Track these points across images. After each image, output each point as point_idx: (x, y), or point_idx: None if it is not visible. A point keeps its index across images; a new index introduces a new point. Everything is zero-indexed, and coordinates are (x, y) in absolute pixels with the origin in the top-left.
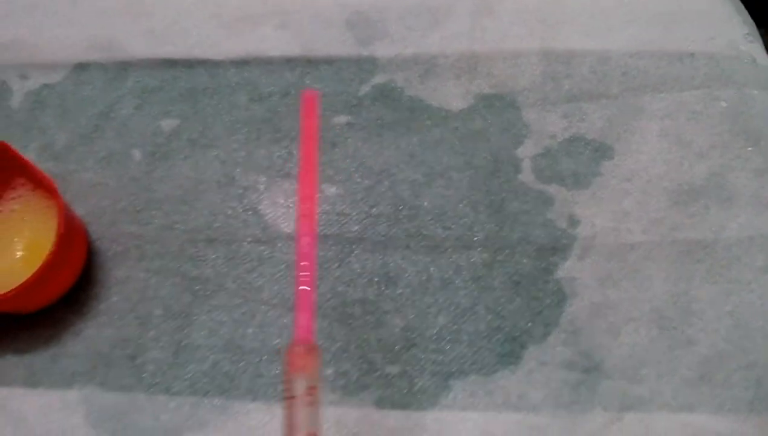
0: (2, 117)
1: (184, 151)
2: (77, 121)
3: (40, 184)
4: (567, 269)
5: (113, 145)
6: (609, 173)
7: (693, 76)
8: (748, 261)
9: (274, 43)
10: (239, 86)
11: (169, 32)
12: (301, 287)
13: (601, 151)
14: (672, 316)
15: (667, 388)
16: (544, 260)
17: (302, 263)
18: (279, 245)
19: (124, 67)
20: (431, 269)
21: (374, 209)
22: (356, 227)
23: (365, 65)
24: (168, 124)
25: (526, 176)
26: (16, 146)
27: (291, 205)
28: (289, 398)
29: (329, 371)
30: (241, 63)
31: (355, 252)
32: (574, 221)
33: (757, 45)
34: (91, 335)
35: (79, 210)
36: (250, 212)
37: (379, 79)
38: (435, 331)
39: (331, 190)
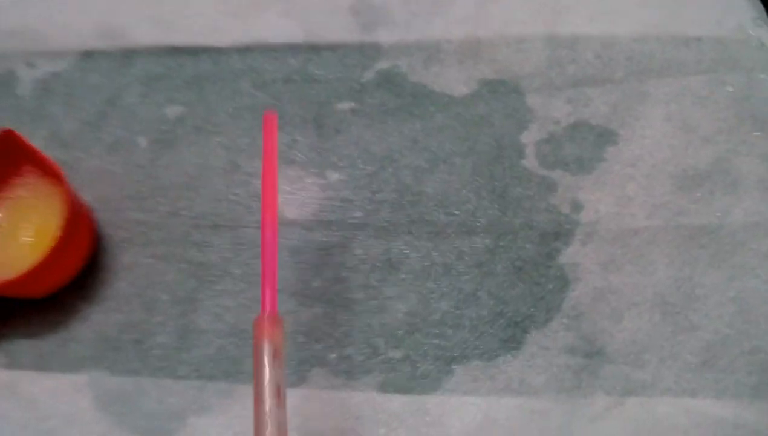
0: (10, 105)
1: (189, 138)
2: (84, 109)
3: (47, 171)
4: (570, 254)
5: (119, 132)
6: (613, 159)
7: (699, 60)
8: (753, 246)
9: (278, 30)
10: (243, 73)
11: (174, 20)
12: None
13: (606, 136)
14: (675, 301)
15: (669, 373)
16: (546, 245)
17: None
18: (283, 231)
19: (130, 54)
20: (434, 254)
21: (377, 195)
22: (359, 213)
23: (368, 51)
24: (173, 111)
25: (530, 162)
26: (23, 134)
27: (295, 191)
28: (256, 363)
29: (333, 356)
30: (245, 50)
31: (359, 238)
32: (577, 207)
33: (766, 29)
34: (99, 320)
35: (86, 197)
36: (254, 198)
37: (382, 65)
38: (437, 316)
39: (335, 176)
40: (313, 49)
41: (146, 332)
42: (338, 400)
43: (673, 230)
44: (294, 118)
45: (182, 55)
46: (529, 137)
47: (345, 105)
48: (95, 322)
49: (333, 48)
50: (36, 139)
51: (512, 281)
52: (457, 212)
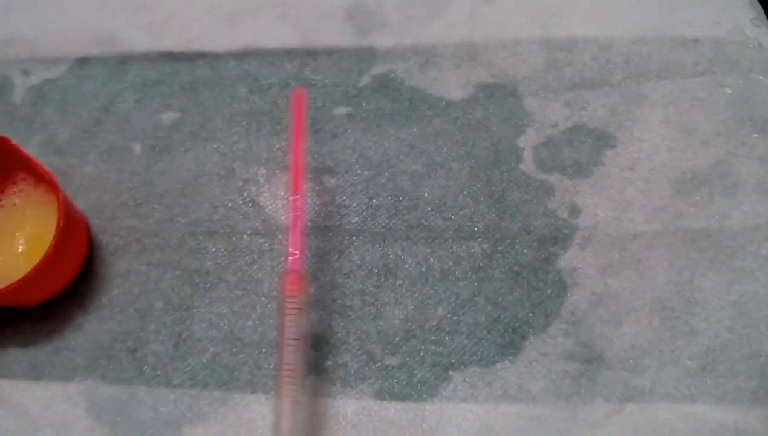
0: (5, 112)
1: (184, 144)
2: (79, 115)
3: (41, 178)
4: (568, 259)
5: (114, 138)
6: (611, 162)
7: (697, 62)
8: (753, 250)
9: (274, 35)
10: (239, 78)
11: (169, 25)
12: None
13: (603, 139)
14: (674, 306)
15: (668, 378)
16: (544, 250)
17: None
18: (279, 237)
19: (125, 60)
20: (431, 260)
21: (374, 201)
22: (356, 219)
23: (365, 56)
24: (169, 117)
25: (527, 166)
26: (18, 141)
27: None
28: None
29: (329, 363)
30: (241, 55)
31: (355, 244)
32: (575, 211)
33: (764, 29)
34: (93, 328)
35: (81, 204)
36: (250, 205)
37: (378, 69)
38: (435, 322)
39: (331, 181)
40: (309, 54)
41: (140, 340)
42: (334, 408)
43: (672, 234)
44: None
45: (177, 61)
46: (527, 141)
47: (341, 110)
48: (89, 330)
49: (329, 53)
50: (30, 146)
51: (510, 287)
52: (454, 217)
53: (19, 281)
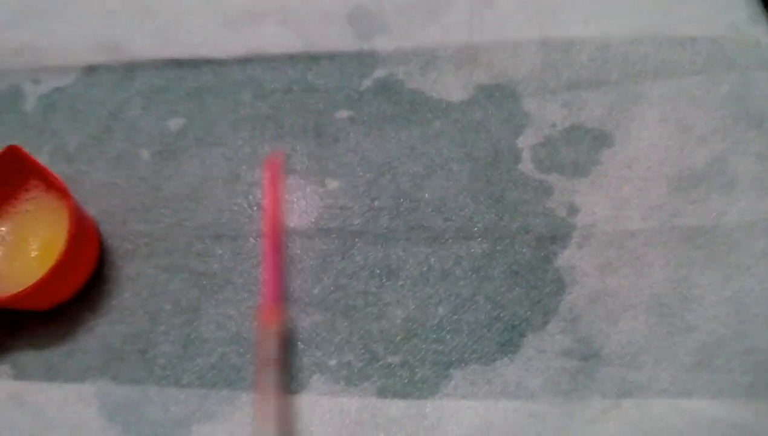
0: (17, 121)
1: (190, 149)
2: (88, 123)
3: (53, 185)
4: (566, 257)
5: (122, 145)
6: (609, 161)
7: (694, 60)
8: (749, 246)
9: (277, 40)
10: (243, 84)
11: (174, 32)
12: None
13: (601, 139)
14: (671, 302)
15: (665, 374)
16: (543, 248)
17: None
18: (283, 239)
19: (132, 68)
20: (432, 260)
21: (376, 202)
22: (358, 221)
23: (366, 59)
24: (175, 123)
25: (526, 166)
26: (30, 149)
27: (295, 199)
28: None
29: (332, 362)
30: (245, 61)
31: (358, 245)
32: (573, 210)
33: (762, 26)
34: (104, 330)
35: (91, 209)
36: (255, 208)
37: (380, 73)
38: (435, 321)
39: (334, 184)
40: (311, 58)
41: (150, 341)
42: (338, 406)
43: (669, 232)
44: (294, 128)
45: (183, 68)
46: (526, 141)
47: (343, 113)
48: (101, 332)
49: (331, 57)
50: (42, 154)
51: (509, 285)
52: (454, 218)
53: (32, 285)
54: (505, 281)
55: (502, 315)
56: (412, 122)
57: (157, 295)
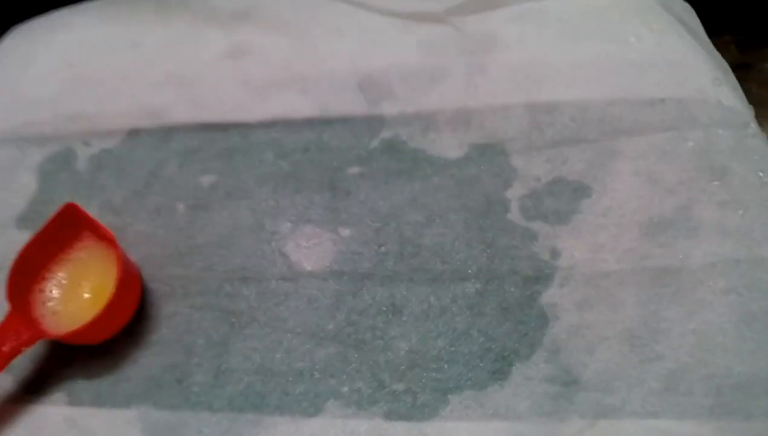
0: (71, 178)
1: (221, 202)
2: (131, 180)
3: (102, 236)
4: (549, 295)
5: (161, 199)
6: (587, 210)
7: (663, 119)
8: (711, 284)
9: (296, 106)
10: (267, 145)
11: (206, 100)
12: None
13: (581, 190)
14: (642, 334)
15: (636, 397)
16: (529, 288)
17: None
18: (301, 281)
19: (169, 131)
20: (431, 298)
21: (383, 248)
22: (367, 264)
23: (374, 123)
24: (207, 179)
25: (514, 215)
26: (82, 203)
27: (312, 246)
28: None
29: (345, 389)
30: (269, 124)
31: (367, 286)
32: (555, 254)
33: (724, 88)
34: (146, 362)
35: (134, 256)
36: (277, 254)
37: (386, 134)
38: (435, 352)
39: (346, 232)
40: (326, 122)
41: (186, 371)
42: (350, 427)
43: (640, 272)
44: (311, 183)
45: (214, 131)
46: (514, 193)
47: (354, 169)
48: (143, 364)
49: (343, 120)
50: (92, 207)
51: (500, 321)
52: (451, 261)
53: (87, 323)
54: (496, 317)
55: (493, 347)
56: (414, 177)
57: (192, 331)
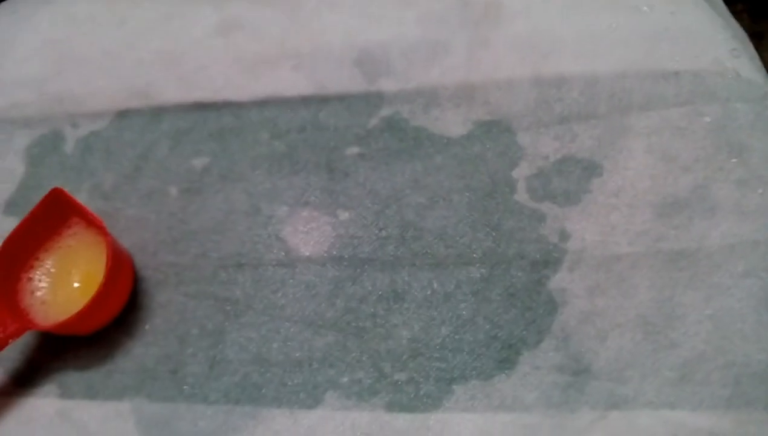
0: (58, 162)
1: (214, 186)
2: (121, 163)
3: (92, 222)
4: (558, 280)
5: (152, 183)
6: (598, 190)
7: (678, 93)
8: (729, 268)
9: (291, 84)
10: (261, 125)
11: (197, 78)
12: None
13: (591, 169)
14: (656, 321)
15: (650, 388)
16: (537, 272)
17: None
18: (299, 267)
19: (159, 112)
20: (435, 284)
21: (383, 232)
22: (367, 249)
23: (373, 100)
24: (199, 162)
25: (521, 196)
26: (70, 188)
27: (309, 230)
28: None
29: (345, 379)
30: (262, 103)
31: (367, 271)
32: (564, 236)
33: (743, 59)
34: (139, 353)
35: (126, 243)
36: (273, 239)
37: (385, 111)
38: (439, 341)
39: (345, 215)
40: (322, 100)
41: (180, 362)
42: (350, 419)
43: (654, 255)
44: (307, 164)
45: (206, 111)
46: (520, 173)
47: (353, 150)
48: (136, 355)
49: (340, 98)
50: (81, 193)
51: (506, 307)
52: (455, 245)
53: (76, 313)
54: (502, 303)
55: (499, 335)
56: (415, 157)
57: (186, 320)
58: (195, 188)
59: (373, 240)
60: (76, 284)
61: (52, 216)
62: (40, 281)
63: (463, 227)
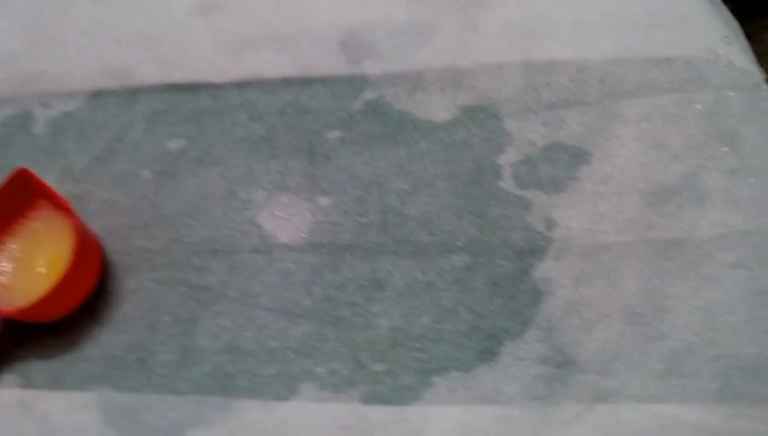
0: (28, 143)
1: (189, 169)
2: (93, 145)
3: (59, 204)
4: (543, 269)
5: (126, 165)
6: (586, 177)
7: (669, 80)
8: (719, 258)
9: (272, 65)
10: (240, 107)
11: (175, 58)
12: None
13: (579, 156)
14: (644, 312)
15: (637, 380)
16: (521, 261)
17: None
18: (276, 254)
19: (135, 92)
20: (416, 272)
21: (364, 218)
22: (347, 235)
23: (356, 83)
24: (175, 144)
25: (507, 183)
26: (39, 169)
27: (288, 215)
28: None
29: (321, 370)
30: (242, 85)
31: (347, 258)
32: (550, 224)
33: (735, 47)
34: (106, 340)
35: (96, 226)
36: (250, 224)
37: (369, 95)
38: (419, 331)
39: (325, 201)
40: (304, 82)
41: (149, 351)
42: (326, 412)
43: (643, 244)
44: (288, 148)
45: (183, 92)
46: (507, 159)
47: (335, 134)
48: (103, 342)
49: (323, 81)
50: (50, 174)
51: (489, 296)
52: (438, 233)
53: (39, 298)
54: (486, 293)
55: (482, 325)
56: (399, 142)
57: (157, 307)
58: (169, 171)
59: (354, 227)
60: (40, 269)
61: (16, 198)
62: (2, 265)
63: (446, 214)
